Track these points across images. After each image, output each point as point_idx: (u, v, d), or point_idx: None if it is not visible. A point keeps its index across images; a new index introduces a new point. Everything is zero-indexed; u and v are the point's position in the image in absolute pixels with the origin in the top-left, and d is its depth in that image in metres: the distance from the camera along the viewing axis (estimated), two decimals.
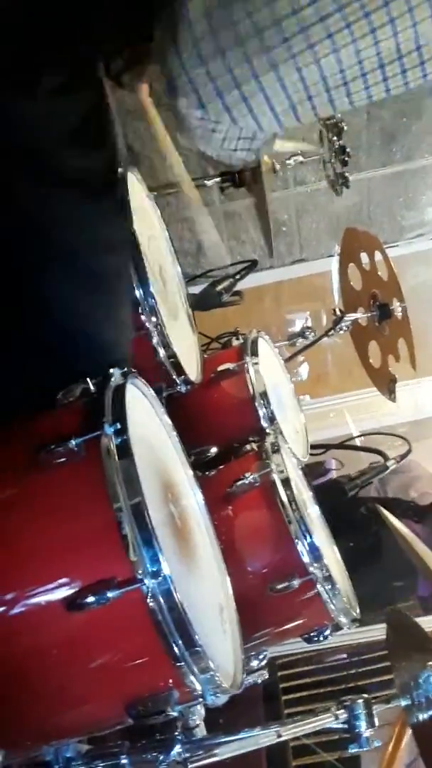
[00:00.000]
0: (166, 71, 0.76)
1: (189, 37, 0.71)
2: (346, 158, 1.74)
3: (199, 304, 1.54)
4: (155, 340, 1.06)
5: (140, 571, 0.63)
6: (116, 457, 0.66)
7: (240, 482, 1.11)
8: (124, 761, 0.73)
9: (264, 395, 1.38)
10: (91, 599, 0.62)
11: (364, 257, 1.84)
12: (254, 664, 1.06)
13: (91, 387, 0.77)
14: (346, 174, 1.79)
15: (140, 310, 1.02)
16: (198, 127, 0.78)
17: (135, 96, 2.09)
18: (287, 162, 1.91)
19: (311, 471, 2.11)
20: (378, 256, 1.88)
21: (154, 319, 1.04)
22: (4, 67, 0.71)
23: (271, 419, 1.37)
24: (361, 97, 0.74)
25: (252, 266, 1.74)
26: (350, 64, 0.71)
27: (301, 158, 1.91)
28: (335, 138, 1.73)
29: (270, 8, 0.68)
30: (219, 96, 0.73)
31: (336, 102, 0.74)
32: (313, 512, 1.24)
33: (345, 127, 1.75)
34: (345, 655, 2.02)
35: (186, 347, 1.26)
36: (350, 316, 1.80)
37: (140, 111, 2.10)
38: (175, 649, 0.64)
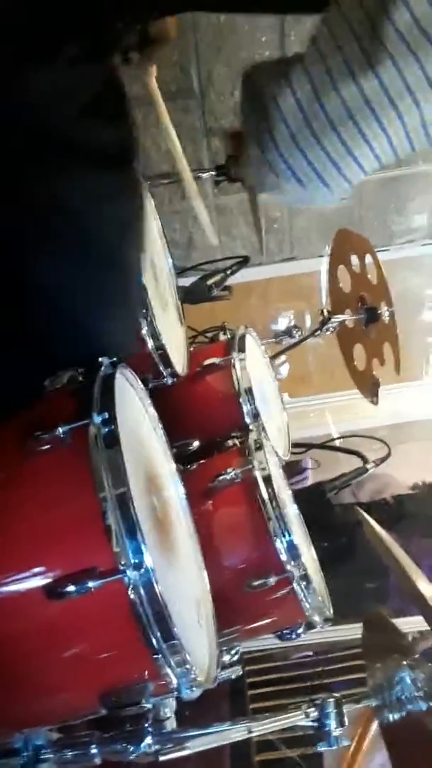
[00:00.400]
0: (262, 157, 0.79)
1: (284, 126, 0.76)
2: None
3: (188, 297, 1.53)
4: (145, 330, 1.05)
5: (123, 562, 0.62)
6: (103, 446, 0.66)
7: (221, 477, 1.10)
8: (93, 751, 0.72)
9: (249, 391, 1.38)
10: (71, 588, 0.61)
11: (354, 259, 1.85)
12: (226, 659, 1.06)
13: (79, 375, 0.76)
14: None
15: None
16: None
17: (135, 85, 2.07)
18: None
19: (288, 469, 2.12)
20: (368, 259, 1.88)
21: (144, 309, 1.03)
22: (23, 35, 0.69)
23: (255, 416, 1.37)
24: None
25: (244, 263, 1.74)
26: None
27: None
28: None
29: (360, 90, 0.72)
30: (317, 175, 0.78)
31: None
32: (291, 511, 1.24)
33: None
34: (311, 653, 2.03)
35: (174, 339, 1.25)
36: (337, 318, 1.80)
37: (139, 98, 2.09)
38: (153, 641, 0.64)
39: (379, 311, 1.81)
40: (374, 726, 1.47)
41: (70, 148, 0.75)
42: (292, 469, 2.34)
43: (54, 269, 0.79)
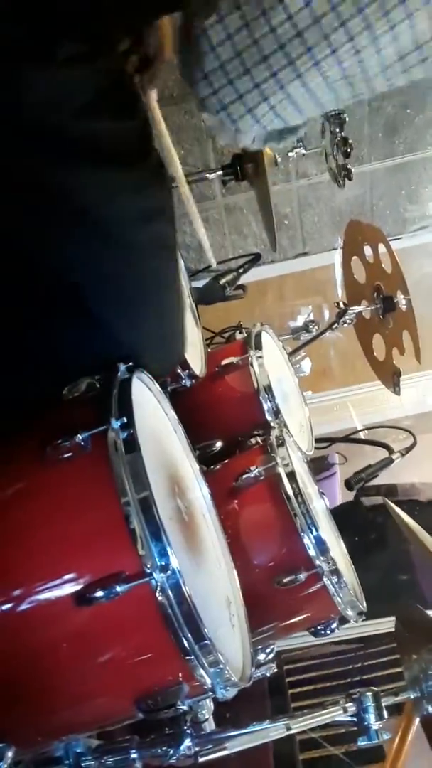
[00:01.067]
0: (196, 93, 0.78)
1: (216, 61, 0.74)
2: (349, 150, 1.73)
3: (202, 298, 1.53)
4: None
5: (149, 565, 0.63)
6: (123, 451, 0.66)
7: (245, 476, 1.10)
8: (134, 755, 0.73)
9: (268, 389, 1.37)
10: (100, 594, 0.62)
11: (367, 250, 1.84)
12: (261, 657, 1.06)
13: (96, 382, 0.77)
14: (349, 166, 1.78)
15: None
16: (227, 134, 0.79)
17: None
18: (289, 154, 1.90)
19: (315, 465, 2.11)
20: (382, 248, 1.87)
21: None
22: (16, 40, 0.70)
23: (276, 413, 1.36)
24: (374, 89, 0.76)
25: (255, 260, 1.73)
26: (372, 64, 0.72)
27: (303, 151, 1.90)
28: (337, 130, 1.72)
29: (291, 22, 0.70)
30: (248, 111, 0.76)
31: (358, 95, 0.77)
32: (318, 506, 1.24)
33: (347, 119, 1.74)
34: (350, 648, 2.02)
35: (190, 341, 1.25)
36: (354, 309, 1.79)
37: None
38: (185, 642, 0.64)
39: (395, 300, 1.79)
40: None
41: (75, 147, 0.74)
42: (319, 465, 2.33)
43: (78, 272, 0.78)
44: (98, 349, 0.82)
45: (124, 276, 0.81)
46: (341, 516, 1.33)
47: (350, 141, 1.73)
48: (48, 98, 0.72)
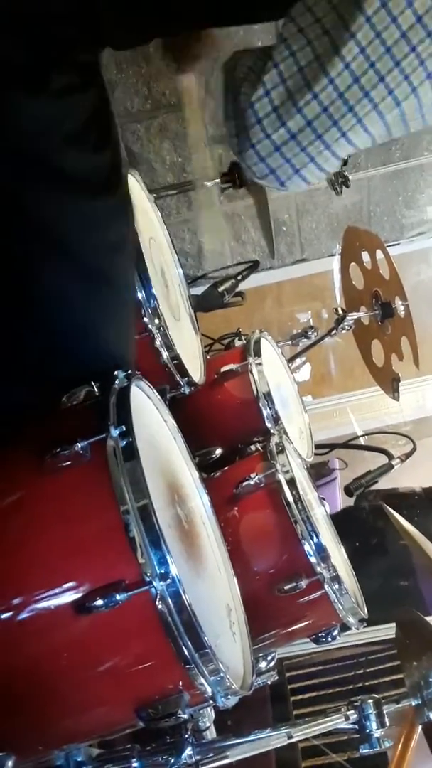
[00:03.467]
0: (242, 158, 0.82)
1: (263, 134, 0.77)
2: (346, 158, 1.73)
3: (201, 305, 1.54)
4: (158, 341, 1.05)
5: (148, 574, 0.62)
6: (122, 460, 0.66)
7: (245, 483, 1.10)
8: (134, 764, 0.73)
9: (268, 395, 1.37)
10: (99, 602, 0.62)
11: (365, 256, 1.84)
12: (262, 665, 1.06)
13: (95, 390, 0.77)
14: (346, 173, 1.79)
15: (142, 312, 1.02)
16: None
17: (136, 98, 2.08)
18: None
19: (315, 471, 2.11)
20: (379, 254, 1.87)
21: (156, 320, 1.04)
22: (13, 67, 0.71)
23: (275, 419, 1.37)
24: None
25: (254, 267, 1.74)
26: (411, 109, 0.76)
27: None
28: None
29: (333, 85, 0.73)
30: (297, 173, 0.80)
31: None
32: (319, 512, 1.24)
33: None
34: (352, 655, 2.01)
35: (189, 348, 1.26)
36: (352, 315, 1.79)
37: (140, 112, 2.11)
38: (185, 651, 0.64)
39: (393, 306, 1.80)
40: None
41: (58, 176, 0.76)
42: (319, 471, 2.32)
43: (49, 293, 0.81)
44: (60, 361, 0.84)
45: (84, 302, 0.84)
46: (341, 521, 1.32)
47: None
48: (38, 126, 0.74)
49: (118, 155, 0.87)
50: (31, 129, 0.73)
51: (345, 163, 1.77)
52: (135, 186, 1.19)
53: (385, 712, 0.86)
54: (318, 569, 1.02)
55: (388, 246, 1.93)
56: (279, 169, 0.79)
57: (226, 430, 1.40)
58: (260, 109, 0.76)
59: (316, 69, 0.73)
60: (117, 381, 0.76)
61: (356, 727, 0.86)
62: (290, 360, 1.75)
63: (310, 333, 1.83)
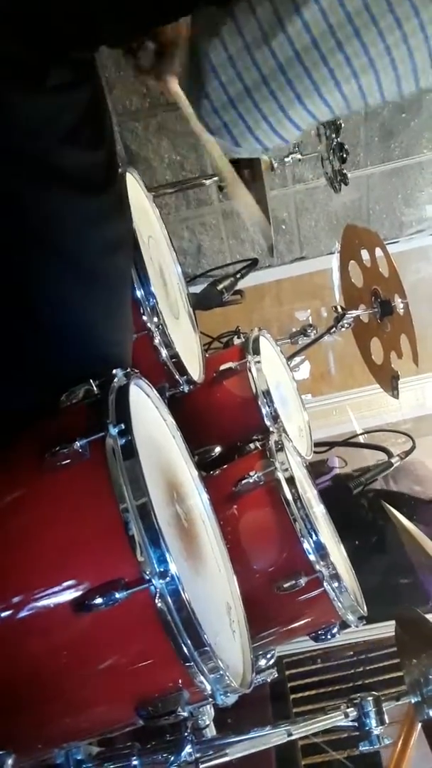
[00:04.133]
0: (197, 109, 0.80)
1: (215, 81, 0.76)
2: (345, 155, 1.73)
3: (200, 303, 1.54)
4: (157, 340, 1.05)
5: (148, 572, 0.63)
6: (121, 458, 0.66)
7: (244, 481, 1.10)
8: (134, 762, 0.73)
9: (267, 394, 1.37)
10: (99, 601, 0.62)
11: (364, 254, 1.84)
12: (262, 663, 1.06)
13: (94, 388, 0.77)
14: (345, 171, 1.79)
15: (141, 311, 1.02)
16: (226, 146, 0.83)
17: (135, 97, 2.08)
18: (285, 160, 1.91)
19: (315, 469, 2.11)
20: (378, 252, 1.87)
21: (155, 319, 1.04)
22: (8, 64, 0.71)
23: (275, 418, 1.37)
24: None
25: (253, 265, 1.74)
26: (369, 85, 0.74)
27: (299, 156, 1.90)
28: (333, 135, 1.73)
29: (290, 43, 0.72)
30: (250, 132, 0.78)
31: (354, 110, 0.79)
32: (318, 510, 1.24)
33: (342, 124, 1.75)
34: (352, 653, 2.01)
35: (188, 347, 1.25)
36: (352, 313, 1.79)
37: (139, 111, 2.10)
38: (184, 649, 0.64)
39: (393, 304, 1.79)
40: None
41: (54, 174, 0.76)
42: (318, 469, 2.32)
43: (46, 291, 0.81)
44: (59, 362, 0.84)
45: (81, 301, 0.83)
46: (340, 514, 1.31)
47: (346, 146, 1.74)
48: (34, 123, 0.74)
49: (113, 153, 0.86)
50: (27, 126, 0.73)
51: (344, 160, 1.77)
52: (133, 184, 1.19)
53: (384, 709, 0.86)
54: (317, 567, 1.02)
55: (387, 244, 1.93)
56: (232, 123, 0.77)
57: (225, 428, 1.40)
58: (215, 57, 0.75)
59: (274, 24, 0.71)
60: (116, 379, 0.76)
61: (356, 724, 0.86)
62: (289, 358, 1.75)
63: (309, 331, 1.83)
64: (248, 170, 1.68)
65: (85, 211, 0.80)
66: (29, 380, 0.83)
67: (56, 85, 0.73)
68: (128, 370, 0.79)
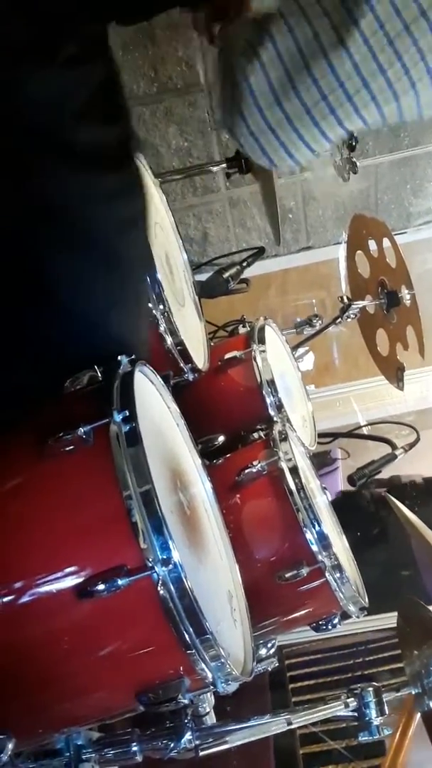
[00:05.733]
0: (233, 132, 0.80)
1: (255, 109, 0.76)
2: (354, 143, 1.71)
3: (205, 291, 1.53)
4: (162, 327, 1.05)
5: (150, 559, 0.62)
6: (125, 445, 0.66)
7: (248, 470, 1.10)
8: (134, 748, 0.73)
9: (271, 383, 1.37)
10: (101, 587, 0.61)
11: (372, 244, 1.83)
12: (263, 652, 1.06)
13: (99, 375, 0.76)
14: (354, 159, 1.77)
15: (147, 298, 1.01)
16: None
17: (142, 81, 2.06)
18: None
19: (318, 460, 2.10)
20: (386, 242, 1.86)
21: (161, 306, 1.03)
22: (19, 40, 0.70)
23: (279, 407, 1.36)
24: None
25: (259, 253, 1.73)
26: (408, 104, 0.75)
27: None
28: None
29: (333, 73, 0.72)
30: (287, 153, 0.78)
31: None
32: (321, 501, 1.23)
33: None
34: (352, 644, 2.02)
35: (193, 335, 1.25)
36: (358, 304, 1.78)
37: (146, 96, 2.08)
38: (186, 636, 0.64)
39: (399, 295, 1.78)
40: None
41: (69, 150, 0.75)
42: (321, 460, 2.32)
43: (59, 271, 0.80)
44: (71, 343, 0.83)
45: (97, 279, 0.82)
46: (343, 509, 1.32)
47: (355, 134, 1.72)
48: (47, 99, 0.73)
49: (129, 129, 0.85)
50: (38, 102, 0.72)
51: (352, 148, 1.75)
52: (141, 170, 1.18)
53: (384, 700, 0.86)
54: (319, 557, 1.02)
55: (395, 234, 1.91)
56: (269, 147, 0.77)
57: (229, 417, 1.40)
58: (255, 83, 0.74)
59: (316, 51, 0.72)
60: (121, 366, 0.76)
61: (356, 714, 0.86)
62: (294, 348, 1.74)
63: (314, 321, 1.82)
64: None
65: (98, 187, 0.79)
66: (39, 363, 0.82)
67: (67, 60, 0.72)
68: (134, 356, 0.78)
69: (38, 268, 0.78)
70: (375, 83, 0.71)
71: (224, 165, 1.73)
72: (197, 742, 0.76)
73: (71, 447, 0.67)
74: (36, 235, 0.77)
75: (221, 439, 1.24)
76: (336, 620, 1.12)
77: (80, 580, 0.63)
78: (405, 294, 1.80)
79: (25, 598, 0.63)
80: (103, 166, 0.79)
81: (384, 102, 0.73)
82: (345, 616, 1.11)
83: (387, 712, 0.86)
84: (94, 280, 0.82)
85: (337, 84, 0.72)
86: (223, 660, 0.67)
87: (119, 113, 0.82)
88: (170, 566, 0.63)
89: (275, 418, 1.33)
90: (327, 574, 1.02)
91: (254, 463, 1.10)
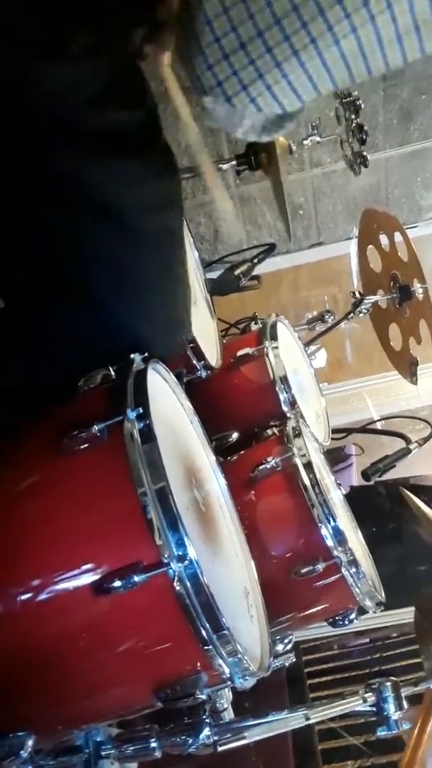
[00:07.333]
0: (191, 70, 0.78)
1: (211, 35, 0.73)
2: (364, 137, 1.71)
3: (216, 289, 1.53)
4: None
5: (166, 555, 0.63)
6: (139, 442, 0.66)
7: (262, 467, 1.10)
8: (153, 744, 0.73)
9: (284, 379, 1.37)
10: (117, 584, 0.62)
11: (383, 239, 1.82)
12: (280, 647, 1.06)
13: (112, 373, 0.77)
14: (364, 153, 1.76)
15: None
16: (225, 118, 0.79)
17: (152, 81, 2.06)
18: (304, 142, 1.88)
19: (332, 456, 2.10)
20: (398, 237, 1.85)
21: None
22: (30, 32, 0.70)
23: (292, 403, 1.36)
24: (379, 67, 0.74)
25: (270, 250, 1.72)
26: (369, 41, 0.71)
27: (318, 138, 1.87)
28: (352, 116, 1.70)
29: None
30: (244, 88, 0.75)
31: (356, 77, 0.74)
32: (336, 496, 1.23)
33: (362, 105, 1.72)
34: (369, 639, 2.01)
35: (205, 332, 1.25)
36: (370, 299, 1.77)
37: (158, 95, 2.08)
38: (203, 632, 0.64)
39: (412, 289, 1.77)
40: None
41: (85, 137, 0.75)
42: (335, 457, 2.31)
43: (86, 253, 0.79)
44: (106, 335, 0.82)
45: (132, 265, 0.82)
46: (358, 503, 1.32)
47: (365, 128, 1.71)
48: (60, 90, 0.73)
49: (154, 112, 0.84)
50: (52, 92, 0.72)
51: (363, 142, 1.74)
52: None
53: (403, 695, 0.86)
54: (335, 553, 1.02)
55: (406, 228, 1.90)
56: (226, 80, 0.74)
57: (242, 414, 1.40)
58: (210, 8, 0.72)
59: None
60: (134, 364, 0.76)
61: (374, 709, 0.86)
62: (307, 344, 1.73)
63: (326, 317, 1.81)
64: (264, 154, 1.67)
65: (121, 171, 0.79)
66: (72, 351, 0.82)
67: (80, 49, 0.72)
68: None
69: (61, 256, 0.78)
70: (331, 11, 0.67)
71: (234, 162, 1.73)
72: (215, 738, 0.77)
73: (86, 445, 0.68)
74: (60, 222, 0.77)
75: (235, 435, 1.25)
76: (353, 615, 1.12)
77: (97, 576, 0.63)
78: (417, 288, 1.79)
79: (42, 596, 0.64)
80: (125, 149, 0.78)
81: (342, 36, 0.69)
82: (362, 611, 1.11)
83: (405, 707, 0.86)
84: (123, 267, 0.81)
85: (292, 8, 0.69)
86: (240, 655, 0.67)
87: (140, 97, 0.81)
88: (186, 562, 0.63)
89: (289, 415, 1.33)
90: (343, 570, 1.02)
91: (268, 459, 1.10)
